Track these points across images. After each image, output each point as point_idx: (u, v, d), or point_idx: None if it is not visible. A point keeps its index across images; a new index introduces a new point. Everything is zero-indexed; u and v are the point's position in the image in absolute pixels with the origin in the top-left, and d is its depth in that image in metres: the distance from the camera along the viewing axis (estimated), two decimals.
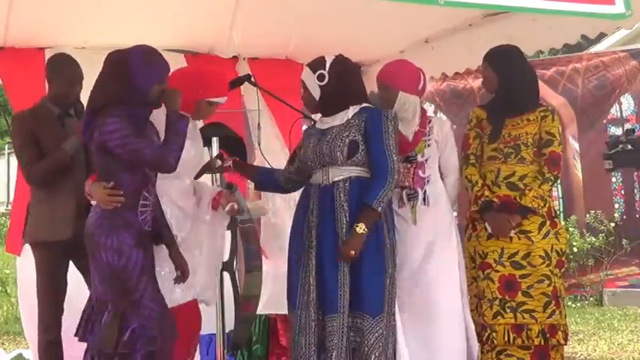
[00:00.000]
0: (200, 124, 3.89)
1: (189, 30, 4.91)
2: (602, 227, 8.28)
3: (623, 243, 8.24)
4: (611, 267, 8.27)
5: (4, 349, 6.19)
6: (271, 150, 4.77)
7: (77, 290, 4.00)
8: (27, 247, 4.23)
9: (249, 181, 4.32)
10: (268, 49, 5.40)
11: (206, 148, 3.94)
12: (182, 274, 3.42)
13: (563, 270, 4.05)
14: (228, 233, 3.97)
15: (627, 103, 8.47)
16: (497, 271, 3.95)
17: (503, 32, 4.51)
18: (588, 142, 8.35)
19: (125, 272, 3.20)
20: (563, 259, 4.04)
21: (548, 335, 3.92)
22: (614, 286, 8.27)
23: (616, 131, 8.26)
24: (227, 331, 4.14)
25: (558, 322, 3.94)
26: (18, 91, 4.79)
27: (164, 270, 3.41)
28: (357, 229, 3.46)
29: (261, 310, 4.61)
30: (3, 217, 15.98)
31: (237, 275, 4.11)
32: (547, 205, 3.99)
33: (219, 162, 3.89)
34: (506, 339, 3.91)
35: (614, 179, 8.36)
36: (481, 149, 4.07)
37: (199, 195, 3.77)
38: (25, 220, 4.12)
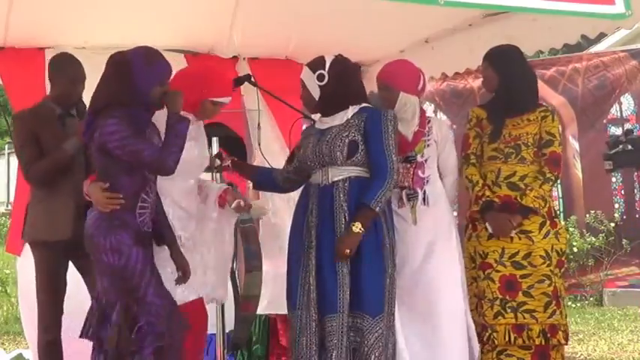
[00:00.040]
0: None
1: (189, 30, 4.91)
2: (602, 227, 8.28)
3: (623, 243, 8.24)
4: (611, 267, 8.27)
5: (4, 349, 6.19)
6: (271, 150, 4.77)
7: (77, 290, 4.00)
8: (27, 248, 4.23)
9: (248, 180, 4.32)
10: (268, 49, 5.40)
11: None
12: (183, 274, 3.42)
13: (563, 270, 4.06)
14: None
15: (627, 103, 8.47)
16: (497, 271, 3.95)
17: (503, 32, 4.51)
18: (588, 142, 8.35)
19: (126, 271, 3.21)
20: (563, 259, 4.05)
21: (548, 335, 3.92)
22: (614, 286, 8.28)
23: (616, 131, 8.26)
24: (227, 331, 4.14)
25: (559, 322, 3.95)
26: (18, 91, 4.79)
27: (166, 270, 3.41)
28: (354, 227, 3.46)
29: (261, 310, 4.62)
30: (3, 217, 15.99)
31: (237, 275, 4.11)
32: (547, 205, 3.99)
33: (218, 161, 3.90)
34: (507, 339, 3.91)
35: (614, 179, 8.36)
36: (481, 149, 4.07)
37: (205, 193, 3.76)
38: (24, 220, 4.12)
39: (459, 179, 4.12)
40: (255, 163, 4.54)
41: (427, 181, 3.96)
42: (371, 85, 4.67)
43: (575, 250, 8.17)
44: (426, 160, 3.98)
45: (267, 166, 4.17)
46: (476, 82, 8.15)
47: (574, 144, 8.48)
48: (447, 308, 3.84)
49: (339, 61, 3.69)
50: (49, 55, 4.76)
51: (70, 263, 4.06)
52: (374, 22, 4.71)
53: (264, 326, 4.58)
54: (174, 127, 3.27)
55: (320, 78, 3.64)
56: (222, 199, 3.75)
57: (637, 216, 8.38)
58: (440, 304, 3.83)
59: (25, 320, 4.83)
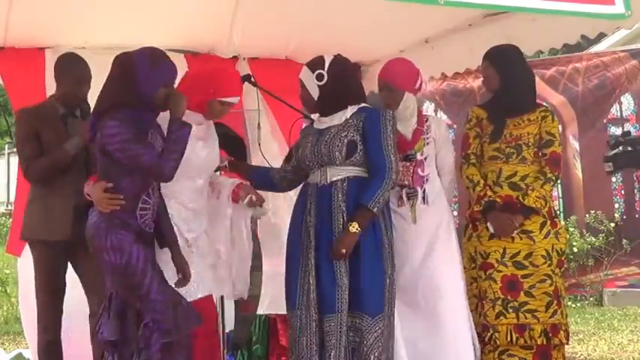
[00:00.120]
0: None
1: (189, 30, 4.91)
2: (602, 227, 8.28)
3: (623, 243, 8.24)
4: (611, 267, 8.27)
5: (4, 349, 6.19)
6: (271, 150, 4.77)
7: (77, 291, 4.00)
8: (27, 248, 4.23)
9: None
10: (268, 49, 5.40)
11: None
12: (183, 276, 3.42)
13: (563, 270, 4.06)
14: None
15: (627, 102, 8.47)
16: (499, 271, 3.95)
17: (503, 32, 4.51)
18: (588, 142, 8.35)
19: (129, 269, 3.21)
20: (563, 258, 4.05)
21: (550, 335, 3.93)
22: (614, 286, 8.27)
23: (616, 131, 8.26)
24: (227, 331, 4.14)
25: (560, 322, 3.95)
26: (18, 91, 4.79)
27: (167, 273, 3.40)
28: (351, 227, 3.47)
29: (261, 310, 4.62)
30: (3, 217, 15.99)
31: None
32: (548, 205, 4.00)
33: None
34: (508, 339, 3.92)
35: (614, 179, 8.35)
36: (481, 149, 4.08)
37: (218, 189, 3.76)
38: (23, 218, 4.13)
39: (458, 178, 4.12)
40: (254, 163, 4.54)
41: (427, 179, 3.97)
42: (371, 85, 4.67)
43: (575, 250, 8.17)
44: (425, 159, 3.98)
45: (266, 165, 4.17)
46: (476, 82, 8.15)
47: (574, 144, 8.48)
48: (448, 307, 3.84)
49: (338, 61, 3.69)
50: (49, 55, 4.79)
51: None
52: (374, 22, 4.71)
53: (264, 326, 4.58)
54: (174, 133, 3.26)
55: (319, 78, 3.64)
56: (235, 194, 3.74)
57: (637, 216, 8.38)
58: (441, 303, 3.84)
59: (25, 320, 4.83)
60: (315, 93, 3.66)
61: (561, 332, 3.96)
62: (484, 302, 3.96)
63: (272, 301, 4.56)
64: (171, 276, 3.39)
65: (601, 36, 6.16)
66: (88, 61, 4.08)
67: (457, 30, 4.94)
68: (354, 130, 3.58)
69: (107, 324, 3.28)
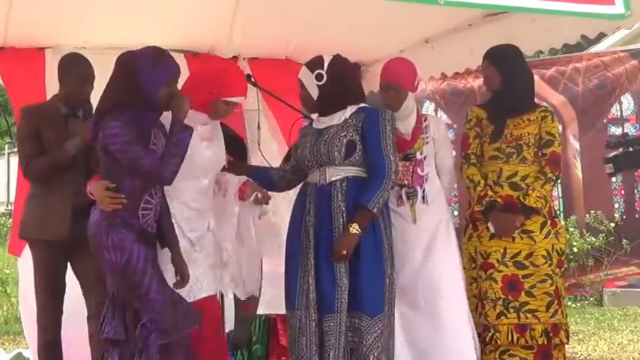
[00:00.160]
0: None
1: (189, 30, 4.91)
2: (602, 227, 8.28)
3: (623, 243, 8.24)
4: (611, 267, 8.27)
5: (4, 349, 6.19)
6: (270, 150, 4.77)
7: (76, 292, 3.99)
8: (28, 248, 4.23)
9: None
10: (268, 49, 5.40)
11: None
12: (182, 278, 3.40)
13: (562, 270, 4.06)
14: None
15: (627, 102, 8.47)
16: (500, 271, 3.95)
17: (503, 32, 4.51)
18: (589, 142, 8.35)
19: (129, 268, 3.20)
20: (563, 258, 4.06)
21: (551, 335, 3.93)
22: (614, 286, 8.27)
23: (616, 131, 8.26)
24: (227, 331, 4.14)
25: (560, 322, 3.96)
26: (18, 91, 4.79)
27: (167, 274, 3.39)
28: (351, 229, 3.47)
29: (261, 310, 4.62)
30: (3, 217, 16.00)
31: None
32: (548, 205, 4.01)
33: None
34: (509, 339, 3.92)
35: (614, 179, 8.34)
36: (481, 149, 4.08)
37: (225, 187, 3.74)
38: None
39: (458, 178, 4.12)
40: (254, 163, 4.54)
41: (426, 179, 3.98)
42: (371, 85, 4.67)
43: (575, 250, 8.17)
44: (424, 158, 3.99)
45: (265, 165, 4.17)
46: (476, 82, 8.15)
47: (574, 144, 8.48)
48: (448, 306, 3.85)
49: (338, 61, 3.69)
50: (49, 55, 4.79)
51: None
52: (374, 22, 4.71)
53: (264, 326, 4.57)
54: (175, 137, 3.25)
55: (318, 78, 3.64)
56: (241, 192, 3.72)
57: (637, 216, 8.38)
58: (441, 303, 3.84)
59: (25, 320, 4.83)
60: (314, 93, 3.66)
61: (562, 332, 3.96)
62: (485, 302, 3.96)
63: (272, 301, 4.56)
64: (170, 277, 3.39)
65: (601, 36, 6.16)
66: None
67: (457, 30, 4.94)
68: (354, 130, 3.58)
69: (111, 324, 3.28)
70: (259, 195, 3.72)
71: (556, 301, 3.94)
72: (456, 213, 8.10)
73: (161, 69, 3.29)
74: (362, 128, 3.58)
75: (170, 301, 3.27)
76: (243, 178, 3.79)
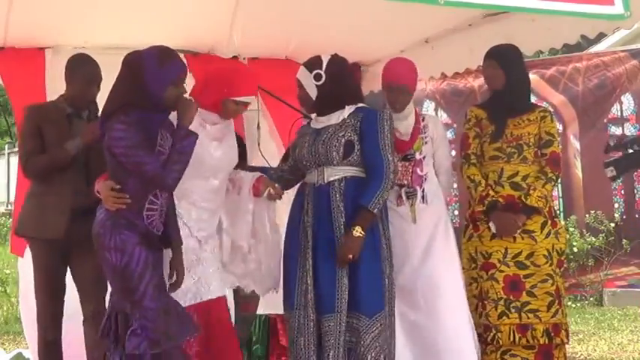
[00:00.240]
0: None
1: (189, 30, 4.91)
2: (602, 227, 8.28)
3: (623, 243, 8.24)
4: (610, 267, 8.27)
5: (4, 349, 6.19)
6: (270, 150, 4.77)
7: (76, 293, 3.99)
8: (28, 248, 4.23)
9: None
10: (268, 49, 5.40)
11: None
12: (176, 282, 3.36)
13: (562, 269, 4.07)
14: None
15: (627, 102, 8.47)
16: (501, 271, 3.96)
17: (503, 32, 4.51)
18: (589, 142, 8.35)
19: (127, 271, 3.17)
20: (563, 258, 4.06)
21: (552, 334, 3.94)
22: (614, 286, 8.28)
23: (616, 130, 8.27)
24: None
25: (561, 321, 3.97)
26: (18, 91, 4.79)
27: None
28: (354, 232, 3.45)
29: (261, 310, 4.62)
30: (3, 217, 16.00)
31: None
32: (548, 205, 4.01)
33: None
34: (511, 339, 3.92)
35: None
36: (480, 149, 4.08)
37: (239, 185, 3.72)
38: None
39: (459, 178, 4.13)
40: (253, 163, 4.54)
41: (425, 178, 3.98)
42: (371, 85, 4.68)
43: (575, 250, 8.17)
44: (424, 158, 4.00)
45: (266, 165, 4.17)
46: (476, 81, 8.16)
47: (575, 143, 8.48)
48: (448, 305, 3.86)
49: (336, 60, 3.68)
50: (49, 55, 4.79)
51: None
52: (374, 22, 4.71)
53: (264, 326, 4.57)
54: (180, 143, 3.22)
55: (317, 78, 3.63)
56: (256, 188, 3.70)
57: (637, 216, 8.38)
58: (441, 302, 3.85)
59: (25, 320, 4.83)
60: (313, 93, 3.65)
61: (562, 332, 3.97)
62: (486, 302, 3.96)
63: (271, 301, 4.56)
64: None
65: (601, 36, 6.16)
66: None
67: (457, 30, 4.94)
68: (352, 130, 3.58)
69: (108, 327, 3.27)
70: (272, 190, 3.70)
71: (557, 301, 3.94)
72: (456, 212, 8.11)
73: (167, 68, 3.26)
74: (360, 128, 3.57)
75: (163, 309, 3.22)
76: (257, 174, 3.78)
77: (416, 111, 4.06)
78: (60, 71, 4.08)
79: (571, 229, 8.20)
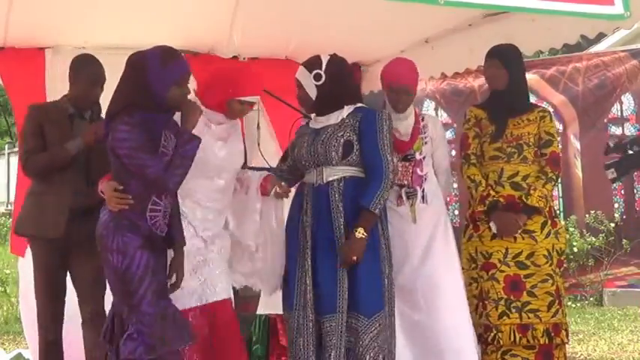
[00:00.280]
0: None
1: (189, 30, 4.91)
2: (602, 227, 8.28)
3: (623, 243, 8.24)
4: (610, 267, 8.27)
5: (4, 349, 6.19)
6: (269, 150, 4.76)
7: (75, 294, 3.99)
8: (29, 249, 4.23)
9: None
10: (268, 49, 5.40)
11: None
12: (175, 283, 3.34)
13: (562, 269, 4.07)
14: None
15: (628, 102, 8.47)
16: (502, 271, 3.96)
17: (503, 32, 4.51)
18: (589, 141, 8.35)
19: (127, 274, 3.15)
20: (563, 258, 4.07)
21: (552, 334, 3.94)
22: (614, 286, 8.28)
23: (616, 130, 8.27)
24: None
25: (561, 321, 3.97)
26: (18, 91, 4.80)
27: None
28: (357, 234, 3.44)
29: (261, 310, 4.62)
30: (3, 217, 16.00)
31: None
32: (548, 205, 4.02)
33: None
34: (512, 339, 3.92)
35: None
36: (480, 149, 4.08)
37: (247, 184, 3.71)
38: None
39: (459, 178, 4.13)
40: (253, 164, 4.54)
41: (425, 178, 3.98)
42: (371, 85, 4.67)
43: (575, 250, 8.17)
44: (423, 158, 4.00)
45: (265, 166, 4.17)
46: (477, 81, 8.16)
47: (575, 143, 8.48)
48: (447, 305, 3.86)
49: (335, 60, 3.68)
50: (49, 55, 4.79)
51: None
52: (374, 22, 4.71)
53: (264, 326, 4.57)
54: (182, 147, 3.21)
55: (317, 78, 3.63)
56: (263, 187, 3.69)
57: (637, 216, 8.38)
58: (440, 302, 3.85)
59: (25, 320, 4.83)
60: (312, 93, 3.65)
61: (562, 331, 3.98)
62: (486, 302, 3.96)
63: (271, 301, 4.56)
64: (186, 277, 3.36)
65: (601, 36, 6.16)
66: None
67: (457, 30, 4.94)
68: (351, 130, 3.57)
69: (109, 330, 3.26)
70: (278, 189, 3.70)
71: (557, 301, 3.95)
72: (456, 212, 8.11)
73: (170, 68, 3.24)
74: (359, 128, 3.57)
75: (161, 314, 3.20)
76: (264, 173, 3.77)
77: (415, 111, 4.07)
78: (60, 71, 4.09)
79: (571, 229, 8.20)
